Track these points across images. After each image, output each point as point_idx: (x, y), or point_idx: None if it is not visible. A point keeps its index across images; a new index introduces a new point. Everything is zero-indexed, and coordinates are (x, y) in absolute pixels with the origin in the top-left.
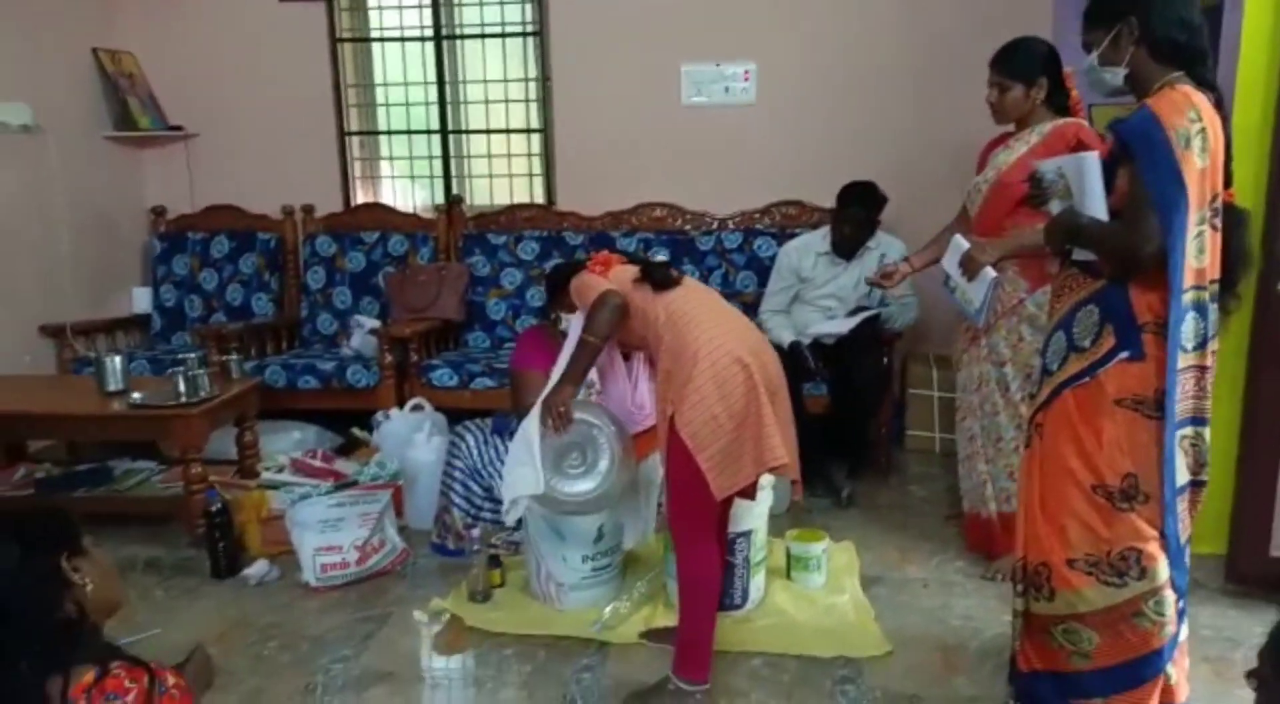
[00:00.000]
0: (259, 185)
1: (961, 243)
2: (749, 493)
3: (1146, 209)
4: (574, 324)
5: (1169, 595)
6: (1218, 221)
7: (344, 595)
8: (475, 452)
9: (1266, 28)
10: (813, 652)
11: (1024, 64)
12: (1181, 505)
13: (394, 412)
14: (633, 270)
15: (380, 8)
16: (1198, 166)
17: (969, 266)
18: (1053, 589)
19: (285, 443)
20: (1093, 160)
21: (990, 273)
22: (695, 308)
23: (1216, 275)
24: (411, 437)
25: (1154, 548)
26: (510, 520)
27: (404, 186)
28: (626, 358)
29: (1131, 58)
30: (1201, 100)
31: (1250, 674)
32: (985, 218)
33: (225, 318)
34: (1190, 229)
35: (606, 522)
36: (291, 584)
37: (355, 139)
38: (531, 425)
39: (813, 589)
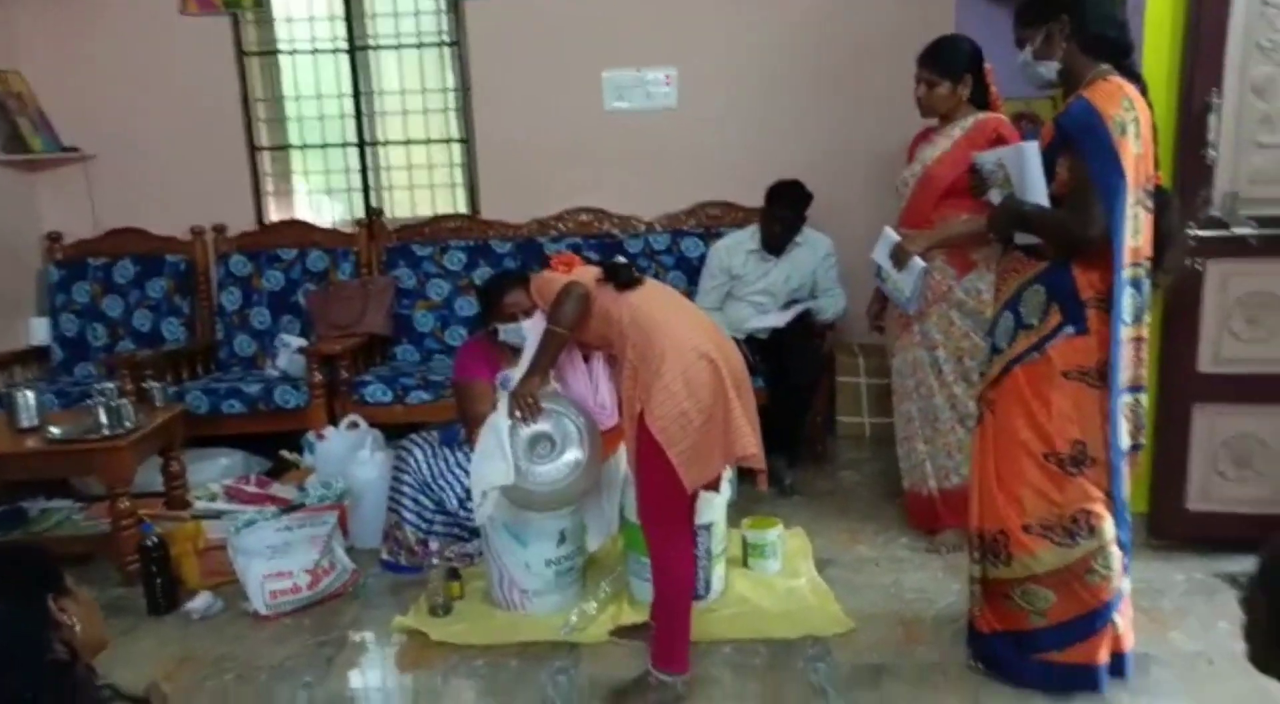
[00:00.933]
0: (164, 206)
1: (891, 234)
2: (714, 484)
3: (1091, 194)
4: (534, 323)
5: (1115, 552)
6: (1149, 203)
7: (296, 621)
8: (424, 465)
9: (1167, 23)
10: (780, 635)
11: (951, 61)
12: (1125, 468)
13: (330, 430)
14: (595, 270)
15: (290, 19)
16: (1133, 152)
17: (899, 257)
18: (1010, 554)
19: (212, 470)
20: (1033, 150)
21: (920, 262)
22: (659, 306)
23: (1149, 253)
24: (352, 454)
25: (1101, 508)
26: (481, 517)
27: (320, 201)
28: (586, 359)
29: (1064, 52)
30: (1132, 90)
31: (1242, 601)
32: (913, 209)
33: (133, 345)
34: (1128, 210)
35: (568, 524)
36: (237, 615)
37: (266, 154)
38: (500, 418)
39: (770, 575)
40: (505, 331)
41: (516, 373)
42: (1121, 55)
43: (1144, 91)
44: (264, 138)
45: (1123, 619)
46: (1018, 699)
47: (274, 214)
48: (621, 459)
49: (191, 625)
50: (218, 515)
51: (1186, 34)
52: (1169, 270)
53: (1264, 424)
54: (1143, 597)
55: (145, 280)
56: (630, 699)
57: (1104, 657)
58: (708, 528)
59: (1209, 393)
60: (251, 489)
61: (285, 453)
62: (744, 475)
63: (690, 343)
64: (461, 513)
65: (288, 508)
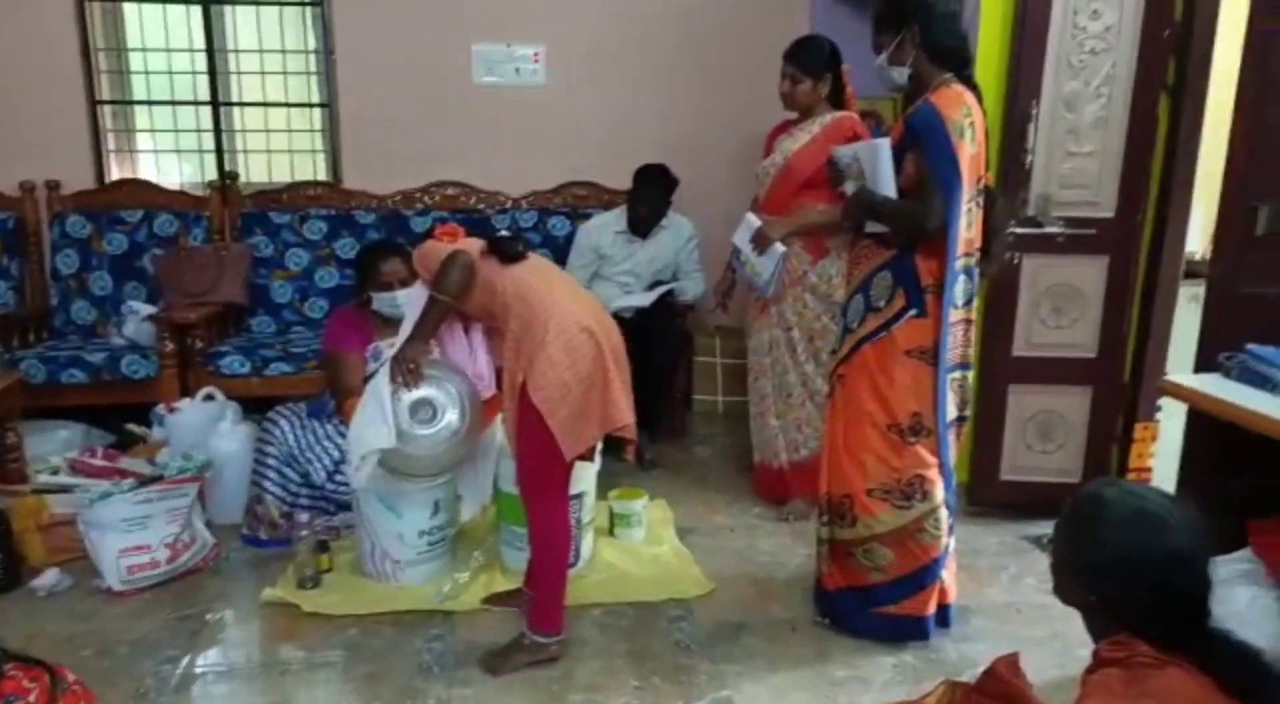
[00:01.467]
0: None
1: (753, 220)
2: (589, 454)
3: (932, 189)
4: (415, 292)
5: (944, 513)
6: (980, 200)
7: (155, 597)
8: (290, 437)
9: (997, 39)
10: (645, 597)
11: (814, 60)
12: (950, 437)
13: (185, 403)
14: (479, 243)
15: None
16: (969, 154)
17: (760, 242)
18: (855, 516)
19: (50, 444)
20: (885, 147)
21: (779, 247)
22: (543, 280)
23: (980, 245)
24: (210, 427)
25: (933, 474)
26: (359, 482)
27: (167, 162)
28: (465, 331)
29: (914, 59)
30: (970, 98)
31: (1049, 540)
32: (773, 198)
33: None
34: (963, 206)
35: (442, 494)
36: (88, 591)
37: (108, 109)
38: (382, 382)
39: (635, 543)
40: (379, 300)
41: (396, 341)
42: (962, 65)
43: (980, 99)
44: (105, 91)
45: (948, 574)
46: (858, 649)
47: (115, 173)
48: (497, 429)
49: (38, 602)
50: (62, 489)
51: (1012, 50)
52: (994, 261)
53: (1064, 401)
54: (962, 557)
55: None
56: (507, 660)
57: (932, 608)
58: (579, 498)
59: (1021, 374)
60: (99, 463)
61: (132, 426)
62: (608, 448)
63: (573, 316)
64: (329, 486)
65: (146, 480)
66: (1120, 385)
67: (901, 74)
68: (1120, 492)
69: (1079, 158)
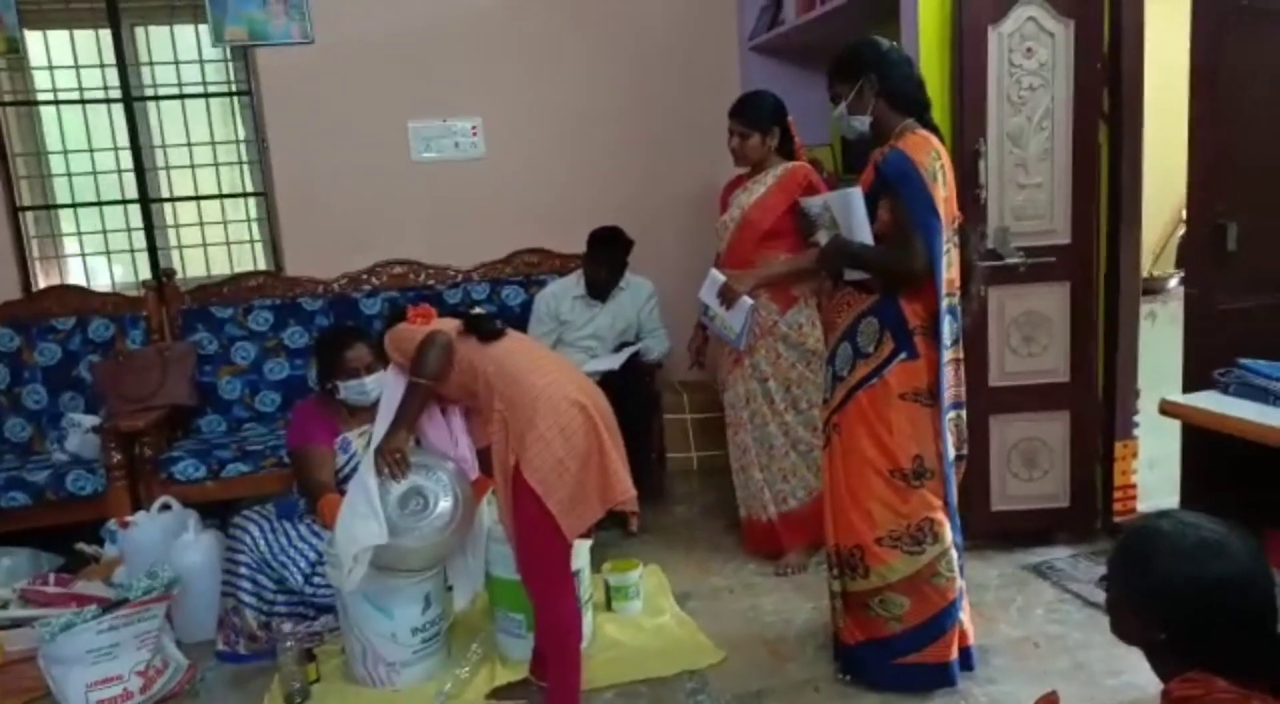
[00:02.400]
0: None
1: (718, 276)
2: (589, 532)
3: (913, 233)
4: (389, 378)
5: (954, 554)
6: (957, 240)
7: None
8: (261, 542)
9: (936, 81)
10: (656, 673)
11: (759, 115)
12: (955, 475)
13: (140, 516)
14: (454, 323)
15: (51, 68)
16: (942, 195)
17: (728, 296)
18: (867, 567)
19: None
20: (857, 196)
21: (747, 300)
22: (525, 356)
23: (959, 284)
24: (171, 540)
25: (941, 516)
26: (351, 584)
27: (97, 265)
28: (443, 412)
29: (874, 107)
30: (936, 142)
31: (1102, 579)
32: (734, 252)
33: None
34: (944, 247)
35: (431, 587)
36: None
37: (29, 215)
38: (367, 476)
39: (635, 616)
40: (347, 389)
41: (375, 430)
42: (923, 110)
43: (942, 141)
44: (26, 197)
45: (964, 615)
46: (882, 702)
47: (43, 280)
48: (485, 513)
49: None
50: (13, 624)
51: (953, 90)
52: (974, 298)
53: (1044, 428)
54: (968, 593)
55: None
56: None
57: (954, 653)
58: (575, 575)
59: (1000, 404)
60: (52, 590)
61: (83, 545)
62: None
63: (561, 390)
64: (307, 589)
65: (110, 605)
66: (1096, 406)
67: (863, 122)
68: (1175, 523)
69: (1030, 189)
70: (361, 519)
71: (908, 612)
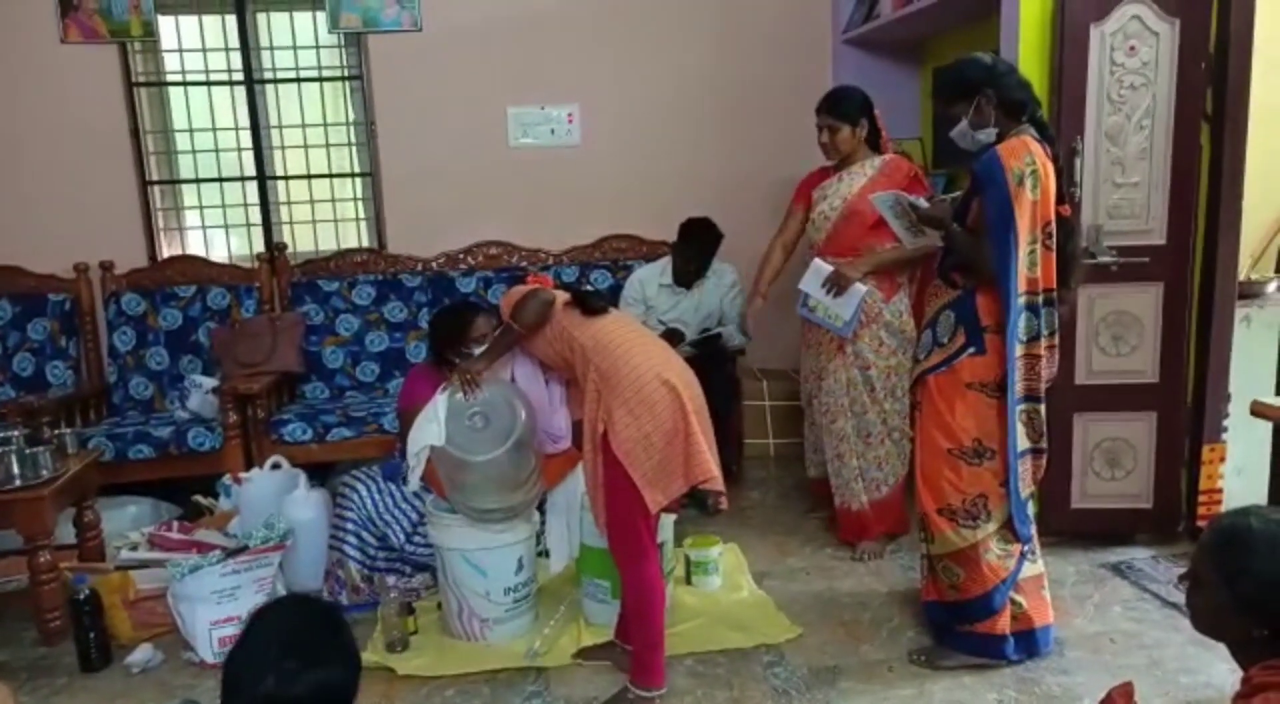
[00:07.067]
0: (44, 243)
1: (823, 265)
2: (673, 507)
3: (985, 236)
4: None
5: (1008, 535)
6: (1050, 242)
7: None
8: (368, 501)
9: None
10: (735, 645)
11: (848, 108)
12: (1023, 467)
13: (255, 472)
14: (565, 295)
15: (180, 51)
16: (1029, 200)
17: (841, 284)
18: (932, 534)
19: (121, 520)
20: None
21: (860, 287)
22: (623, 334)
23: (1051, 284)
24: (283, 496)
25: (995, 496)
26: (412, 485)
27: (215, 237)
28: (546, 382)
29: (995, 118)
30: (1036, 147)
31: (1183, 577)
32: (838, 241)
33: (14, 391)
34: (1023, 247)
35: (524, 551)
36: (180, 666)
37: (157, 189)
38: (439, 394)
39: (714, 590)
40: (464, 357)
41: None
42: (1033, 113)
43: (1052, 140)
44: (155, 171)
45: (1026, 598)
46: (958, 686)
47: (166, 250)
48: (578, 483)
49: (132, 679)
50: (143, 565)
51: (1052, 88)
52: (1072, 291)
53: (1129, 428)
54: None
55: (26, 322)
56: None
57: (1005, 628)
58: (660, 546)
59: (1085, 402)
60: (176, 536)
61: (200, 498)
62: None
63: (653, 369)
64: (408, 548)
65: (232, 551)
66: (1184, 408)
67: (989, 134)
68: (1263, 520)
69: (1126, 188)
70: (425, 423)
71: (963, 582)
